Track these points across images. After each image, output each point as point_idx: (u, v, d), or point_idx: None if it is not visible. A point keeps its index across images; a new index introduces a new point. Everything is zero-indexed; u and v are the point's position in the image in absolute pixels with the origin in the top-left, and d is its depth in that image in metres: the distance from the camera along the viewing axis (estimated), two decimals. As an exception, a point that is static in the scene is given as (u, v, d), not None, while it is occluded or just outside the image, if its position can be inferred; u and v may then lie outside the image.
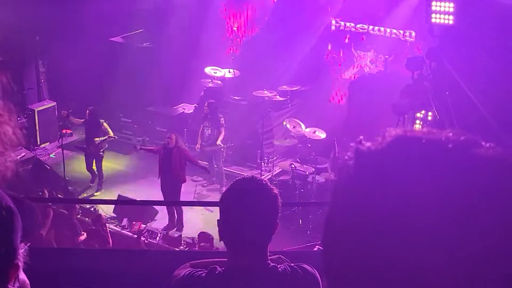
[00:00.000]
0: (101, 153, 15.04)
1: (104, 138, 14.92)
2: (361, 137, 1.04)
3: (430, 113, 12.69)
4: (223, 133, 14.97)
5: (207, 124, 15.05)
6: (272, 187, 2.99)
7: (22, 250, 1.43)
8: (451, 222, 0.91)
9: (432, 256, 0.91)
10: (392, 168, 0.96)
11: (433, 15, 12.18)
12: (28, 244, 1.48)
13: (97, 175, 15.24)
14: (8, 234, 1.37)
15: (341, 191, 1.02)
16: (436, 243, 0.91)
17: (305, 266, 3.01)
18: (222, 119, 14.99)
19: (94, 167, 15.17)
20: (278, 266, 2.97)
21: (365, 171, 0.99)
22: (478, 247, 0.90)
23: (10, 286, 1.44)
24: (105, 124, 15.04)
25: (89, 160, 15.18)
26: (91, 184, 15.26)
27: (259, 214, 2.89)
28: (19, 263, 1.42)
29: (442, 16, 12.13)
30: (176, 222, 13.33)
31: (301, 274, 2.96)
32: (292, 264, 3.03)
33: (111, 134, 15.15)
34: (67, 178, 14.83)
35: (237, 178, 3.08)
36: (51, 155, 16.66)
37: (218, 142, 14.90)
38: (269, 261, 2.97)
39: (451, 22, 12.03)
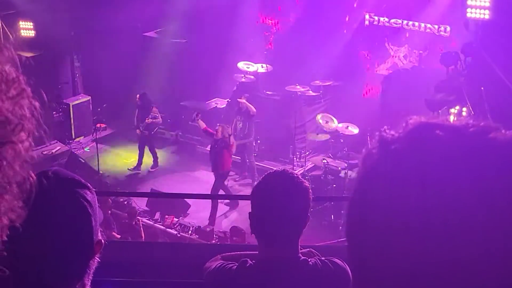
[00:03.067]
0: (153, 133, 15.81)
1: (155, 121, 15.75)
2: (385, 126, 1.04)
3: (464, 109, 12.56)
4: (253, 109, 14.96)
5: (239, 118, 15.10)
6: (303, 180, 2.98)
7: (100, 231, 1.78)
8: (468, 204, 0.91)
9: (449, 241, 0.91)
10: (412, 153, 0.97)
11: (469, 10, 12.04)
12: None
13: (154, 158, 15.92)
14: (89, 220, 1.72)
15: (365, 179, 1.02)
16: (450, 225, 0.91)
17: (336, 260, 3.00)
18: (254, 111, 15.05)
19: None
20: (309, 259, 2.96)
21: (388, 157, 0.99)
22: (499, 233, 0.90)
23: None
24: (154, 108, 15.78)
25: (141, 142, 15.85)
26: (150, 169, 15.88)
27: (290, 207, 2.89)
28: (102, 240, 1.75)
29: (478, 10, 11.99)
30: (209, 215, 13.40)
31: (332, 268, 2.96)
32: (323, 258, 3.02)
33: (159, 118, 15.95)
34: (101, 172, 15.00)
35: (268, 171, 3.08)
36: (85, 149, 16.85)
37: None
38: (300, 254, 2.96)
39: (487, 16, 11.88)
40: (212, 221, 13.29)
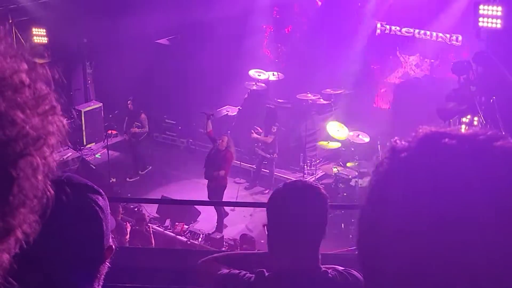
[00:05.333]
0: (140, 139, 15.86)
1: (142, 131, 15.73)
2: (396, 137, 1.07)
3: (476, 118, 12.52)
4: (269, 140, 14.98)
5: (262, 128, 15.13)
6: (320, 187, 2.98)
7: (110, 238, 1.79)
8: (475, 211, 0.93)
9: (458, 248, 0.93)
10: (421, 161, 0.99)
11: (481, 19, 12.01)
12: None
13: (140, 161, 16.01)
14: (101, 225, 1.72)
15: (377, 186, 1.04)
16: (456, 232, 0.93)
17: (354, 272, 2.94)
18: (275, 128, 14.99)
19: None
20: (329, 271, 2.91)
21: (398, 165, 1.02)
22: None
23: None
24: (143, 114, 15.74)
25: (131, 149, 15.97)
26: (140, 172, 15.98)
27: (310, 215, 2.87)
28: (113, 245, 1.75)
29: (490, 20, 11.96)
30: (216, 223, 13.36)
31: (350, 280, 2.91)
32: (341, 269, 2.96)
33: (146, 127, 15.89)
34: (112, 179, 15.04)
35: (284, 182, 3.07)
36: (96, 155, 16.90)
37: (260, 137, 14.94)
38: (320, 265, 2.91)
39: (498, 26, 11.85)
40: (219, 228, 13.25)
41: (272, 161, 15.12)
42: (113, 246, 1.75)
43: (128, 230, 11.62)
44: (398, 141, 1.05)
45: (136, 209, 13.35)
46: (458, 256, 0.93)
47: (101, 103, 17.68)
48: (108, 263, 1.75)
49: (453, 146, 0.98)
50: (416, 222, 0.95)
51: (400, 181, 0.99)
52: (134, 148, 15.90)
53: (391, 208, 0.99)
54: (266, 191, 15.00)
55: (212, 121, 14.13)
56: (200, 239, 12.61)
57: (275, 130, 14.96)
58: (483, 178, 0.94)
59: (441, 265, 0.94)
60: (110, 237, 1.77)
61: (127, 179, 15.69)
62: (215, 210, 13.37)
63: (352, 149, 14.74)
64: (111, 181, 14.86)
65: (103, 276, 1.75)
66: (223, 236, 12.87)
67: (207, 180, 13.63)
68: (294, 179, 3.13)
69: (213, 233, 12.97)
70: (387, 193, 1.01)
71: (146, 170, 15.92)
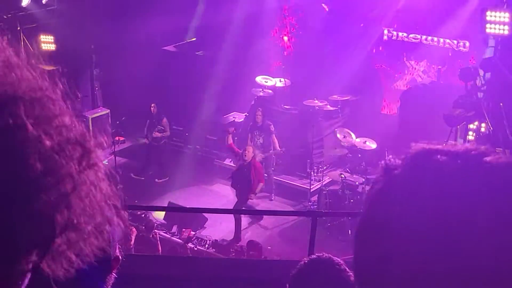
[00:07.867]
0: (162, 143, 16.13)
1: (165, 133, 16.11)
2: (390, 156, 1.11)
3: (483, 125, 12.50)
4: (275, 139, 15.03)
5: (257, 133, 15.09)
6: (345, 268, 2.87)
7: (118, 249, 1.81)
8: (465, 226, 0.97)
9: (437, 260, 0.97)
10: (413, 177, 1.03)
11: (488, 25, 12.01)
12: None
13: (160, 167, 16.21)
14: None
15: (373, 202, 1.08)
16: (436, 247, 0.97)
17: None
18: (272, 126, 15.04)
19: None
20: None
21: (391, 182, 1.06)
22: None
23: None
24: (165, 119, 16.09)
25: (150, 152, 16.18)
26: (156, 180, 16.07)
27: None
28: (119, 256, 1.78)
29: (497, 26, 11.96)
30: (234, 231, 13.36)
31: None
32: None
33: (168, 131, 16.24)
34: (118, 185, 15.04)
35: (309, 260, 2.93)
36: (103, 162, 16.89)
37: (278, 148, 15.00)
38: None
39: (506, 32, 11.84)
40: (237, 236, 13.22)
41: (269, 164, 15.07)
42: (120, 257, 1.75)
43: (133, 236, 11.61)
44: (391, 159, 1.10)
45: (143, 215, 13.36)
46: (460, 260, 0.96)
47: (109, 110, 17.73)
48: (114, 273, 1.75)
49: (445, 162, 1.02)
50: (408, 235, 0.99)
51: (393, 197, 1.03)
52: (156, 153, 16.13)
53: (386, 222, 1.02)
54: (273, 198, 14.99)
55: (233, 136, 14.32)
56: (207, 246, 12.61)
57: (273, 128, 14.98)
58: (475, 193, 0.97)
59: (446, 268, 0.97)
60: (117, 247, 1.76)
61: (156, 180, 15.96)
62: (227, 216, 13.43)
63: (359, 155, 14.72)
64: (117, 187, 14.86)
65: (110, 286, 1.75)
66: (230, 242, 12.87)
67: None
68: (318, 255, 2.91)
69: (220, 239, 12.98)
70: (383, 208, 1.04)
71: (163, 180, 15.98)
